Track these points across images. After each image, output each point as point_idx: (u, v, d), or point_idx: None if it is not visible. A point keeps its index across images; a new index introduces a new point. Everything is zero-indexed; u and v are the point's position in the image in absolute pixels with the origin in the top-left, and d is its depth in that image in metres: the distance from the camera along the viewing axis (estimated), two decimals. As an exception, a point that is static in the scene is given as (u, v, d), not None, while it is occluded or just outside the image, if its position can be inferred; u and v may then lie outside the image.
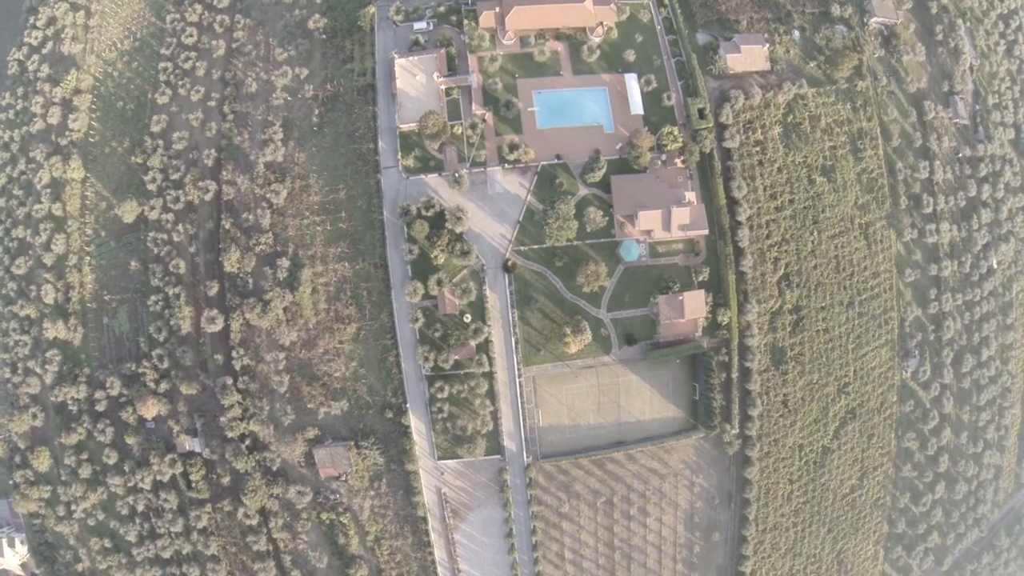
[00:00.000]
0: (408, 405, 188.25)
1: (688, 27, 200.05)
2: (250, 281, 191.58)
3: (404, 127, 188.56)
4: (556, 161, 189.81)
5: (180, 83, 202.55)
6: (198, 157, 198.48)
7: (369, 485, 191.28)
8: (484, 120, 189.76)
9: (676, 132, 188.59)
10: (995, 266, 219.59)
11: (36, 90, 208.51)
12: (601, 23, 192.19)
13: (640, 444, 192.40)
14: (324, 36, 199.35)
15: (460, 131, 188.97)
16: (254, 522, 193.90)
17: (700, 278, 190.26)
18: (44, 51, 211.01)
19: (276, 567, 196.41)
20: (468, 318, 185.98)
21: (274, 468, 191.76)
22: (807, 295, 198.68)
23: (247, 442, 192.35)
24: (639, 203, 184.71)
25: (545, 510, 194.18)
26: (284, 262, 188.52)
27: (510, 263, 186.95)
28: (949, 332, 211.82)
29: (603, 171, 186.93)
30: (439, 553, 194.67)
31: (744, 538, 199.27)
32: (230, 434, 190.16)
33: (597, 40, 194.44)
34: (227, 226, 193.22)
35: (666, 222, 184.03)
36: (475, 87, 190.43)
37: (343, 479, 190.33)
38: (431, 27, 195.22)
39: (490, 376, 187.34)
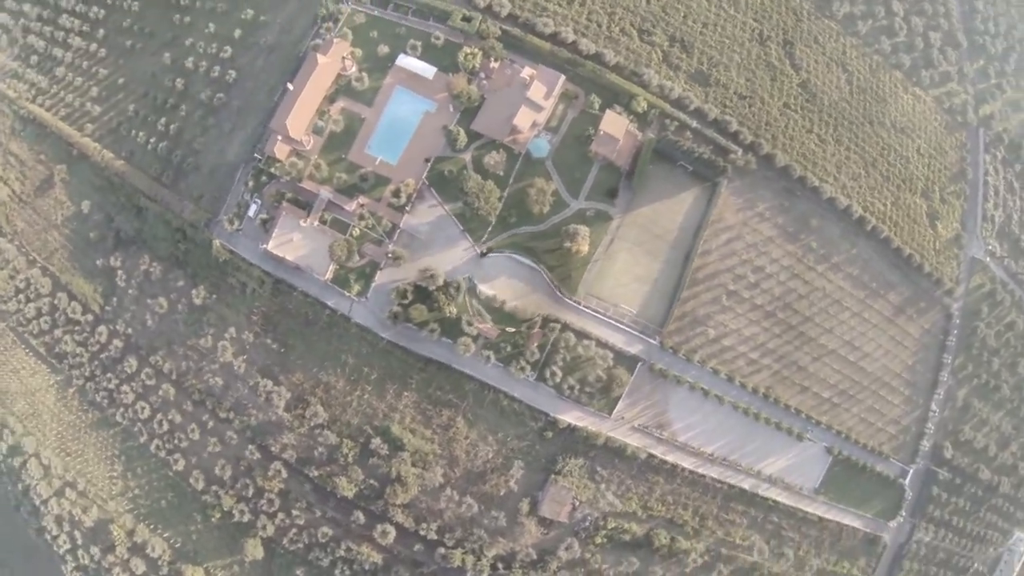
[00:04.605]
0: (551, 413, 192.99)
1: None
2: (372, 482, 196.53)
3: (327, 276, 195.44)
4: (430, 164, 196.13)
5: (178, 440, 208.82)
6: (248, 462, 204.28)
7: (595, 486, 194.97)
8: (361, 204, 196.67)
9: (467, 50, 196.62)
10: None
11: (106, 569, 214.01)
12: (343, 57, 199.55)
13: (702, 241, 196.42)
14: (213, 297, 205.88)
15: (358, 230, 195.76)
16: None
17: (598, 104, 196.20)
18: (66, 527, 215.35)
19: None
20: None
21: (534, 558, 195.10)
22: (664, 18, 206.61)
23: (500, 567, 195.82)
24: (506, 117, 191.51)
25: (704, 353, 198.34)
26: (375, 441, 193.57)
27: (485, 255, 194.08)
28: None
29: (462, 132, 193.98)
30: (687, 464, 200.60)
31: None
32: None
33: (355, 71, 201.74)
34: (315, 473, 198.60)
35: (534, 106, 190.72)
36: (331, 198, 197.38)
37: (578, 505, 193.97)
38: (261, 201, 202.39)
39: (565, 328, 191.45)
